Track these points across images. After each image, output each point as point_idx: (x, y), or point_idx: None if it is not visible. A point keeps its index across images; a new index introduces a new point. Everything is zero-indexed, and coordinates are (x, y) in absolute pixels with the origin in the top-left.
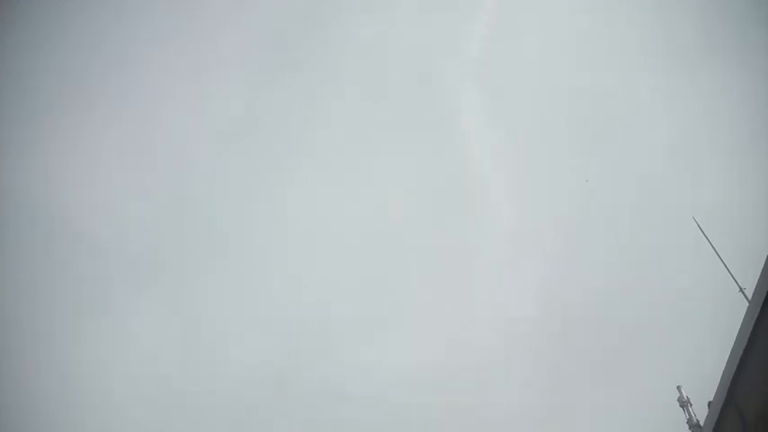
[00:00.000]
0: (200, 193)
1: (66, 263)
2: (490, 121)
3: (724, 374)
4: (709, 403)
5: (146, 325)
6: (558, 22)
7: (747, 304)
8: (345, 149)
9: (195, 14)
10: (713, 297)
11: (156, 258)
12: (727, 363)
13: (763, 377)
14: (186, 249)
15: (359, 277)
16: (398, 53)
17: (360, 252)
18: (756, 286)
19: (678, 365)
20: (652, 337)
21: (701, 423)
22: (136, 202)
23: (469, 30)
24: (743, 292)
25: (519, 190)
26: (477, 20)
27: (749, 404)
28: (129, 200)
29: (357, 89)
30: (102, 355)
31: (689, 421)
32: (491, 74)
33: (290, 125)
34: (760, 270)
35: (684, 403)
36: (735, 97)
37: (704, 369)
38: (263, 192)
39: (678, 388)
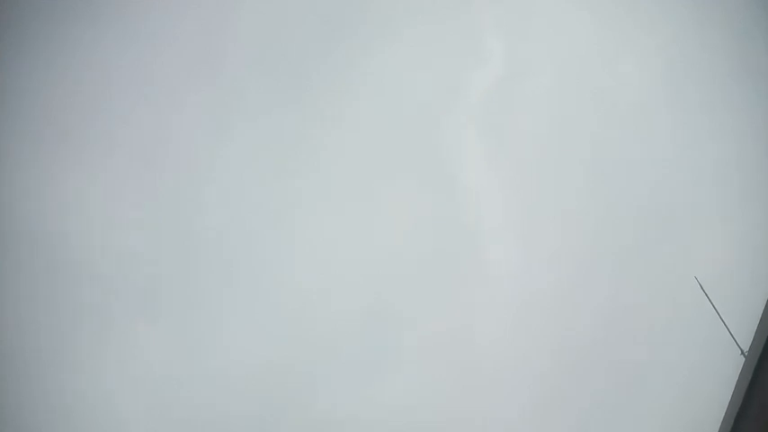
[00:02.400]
0: (205, 222)
1: (67, 292)
2: (493, 166)
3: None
4: None
5: (150, 353)
6: (567, 67)
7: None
8: (345, 184)
9: (201, 44)
10: (713, 359)
11: (160, 288)
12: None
13: None
14: (191, 279)
15: (362, 318)
16: (403, 91)
17: (363, 292)
18: (752, 344)
19: (673, 425)
20: (645, 399)
21: None
22: (139, 230)
23: (476, 72)
24: (744, 355)
25: (521, 241)
26: (484, 62)
27: None
28: (132, 229)
29: (359, 123)
30: (105, 384)
31: None
32: (496, 118)
33: (296, 153)
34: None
35: None
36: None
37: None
38: (270, 224)
39: None
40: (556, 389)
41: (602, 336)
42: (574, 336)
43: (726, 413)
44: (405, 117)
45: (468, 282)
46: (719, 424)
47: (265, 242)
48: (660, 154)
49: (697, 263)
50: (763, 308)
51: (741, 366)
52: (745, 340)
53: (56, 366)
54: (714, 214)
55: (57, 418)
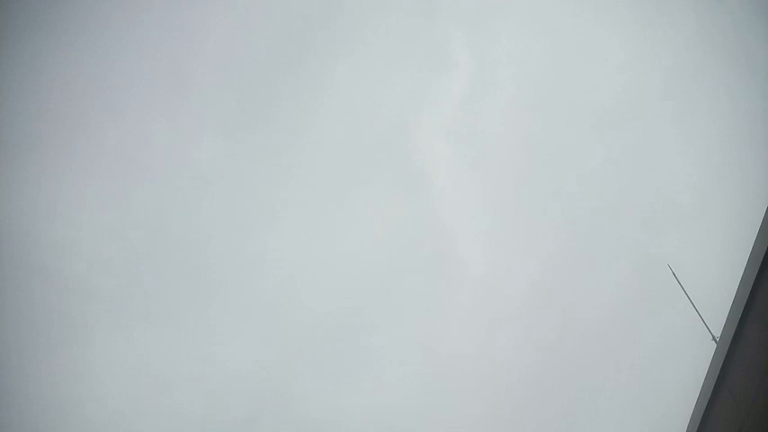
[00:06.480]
0: (190, 230)
1: (43, 301)
2: (464, 174)
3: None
4: None
5: (136, 357)
6: (542, 70)
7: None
8: (315, 198)
9: (172, 61)
10: (685, 345)
11: (144, 294)
12: (695, 407)
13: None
14: (175, 286)
15: (335, 327)
16: (373, 104)
17: (336, 299)
18: (723, 330)
19: (648, 415)
20: (619, 385)
21: None
22: (123, 238)
23: (447, 83)
24: (715, 341)
25: (491, 248)
26: (454, 73)
27: None
28: (117, 236)
29: (331, 136)
30: (92, 387)
31: None
32: (469, 124)
33: (272, 164)
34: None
35: None
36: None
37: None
38: (252, 231)
39: None
40: (534, 386)
41: (578, 329)
42: (549, 333)
43: (698, 397)
44: (378, 126)
45: (444, 286)
46: (692, 408)
47: (246, 248)
48: (635, 153)
49: (670, 252)
50: (734, 294)
51: (713, 352)
52: (717, 326)
53: (43, 367)
54: (689, 206)
55: (42, 421)
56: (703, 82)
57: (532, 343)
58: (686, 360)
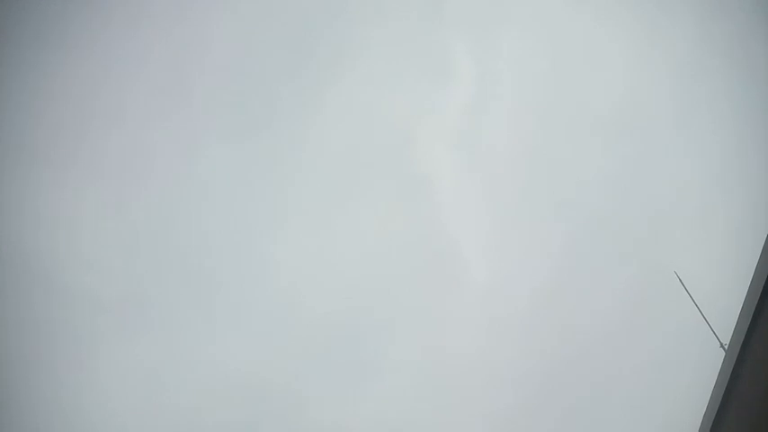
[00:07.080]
0: (190, 234)
1: (45, 310)
2: (466, 179)
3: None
4: None
5: (136, 362)
6: (540, 83)
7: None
8: (314, 207)
9: (172, 69)
10: (693, 353)
11: (145, 298)
12: (704, 417)
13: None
14: (176, 290)
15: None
16: (375, 110)
17: (336, 306)
18: (732, 337)
19: (655, 424)
20: (626, 395)
21: None
22: (116, 247)
23: (450, 89)
24: (724, 348)
25: (494, 253)
26: (456, 79)
27: None
28: (109, 245)
29: (333, 141)
30: (92, 393)
31: None
32: (471, 131)
33: (272, 169)
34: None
35: None
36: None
37: (682, 428)
38: (253, 236)
39: None
40: (538, 392)
41: (582, 336)
42: (554, 340)
43: (707, 407)
44: (380, 131)
45: (447, 290)
46: (701, 418)
47: (249, 254)
48: (638, 158)
49: (677, 259)
50: (742, 301)
51: (722, 360)
52: (725, 333)
53: (47, 377)
54: (695, 211)
55: (44, 424)
56: (707, 87)
57: (536, 349)
58: (694, 368)
